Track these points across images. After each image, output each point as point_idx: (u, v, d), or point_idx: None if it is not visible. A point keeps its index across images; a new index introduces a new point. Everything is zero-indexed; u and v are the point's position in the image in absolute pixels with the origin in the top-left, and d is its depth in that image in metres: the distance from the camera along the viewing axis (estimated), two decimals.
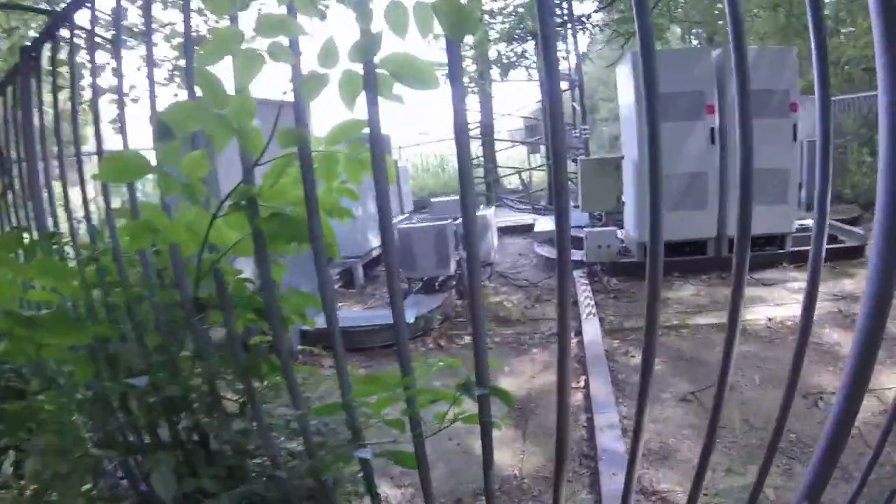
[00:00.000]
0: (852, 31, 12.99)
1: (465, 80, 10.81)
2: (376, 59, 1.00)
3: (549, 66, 0.87)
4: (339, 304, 5.89)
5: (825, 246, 0.91)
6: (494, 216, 7.42)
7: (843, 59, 11.90)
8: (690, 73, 5.79)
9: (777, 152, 5.81)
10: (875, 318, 0.78)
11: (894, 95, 0.67)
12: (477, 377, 1.02)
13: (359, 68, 1.01)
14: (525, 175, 13.37)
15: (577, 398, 3.59)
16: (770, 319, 4.56)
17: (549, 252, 7.04)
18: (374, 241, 7.03)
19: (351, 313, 5.54)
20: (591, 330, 4.52)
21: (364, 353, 4.54)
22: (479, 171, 12.64)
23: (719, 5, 12.42)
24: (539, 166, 12.77)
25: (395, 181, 8.71)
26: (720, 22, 13.40)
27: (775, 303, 4.98)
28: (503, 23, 10.24)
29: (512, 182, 13.85)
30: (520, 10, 10.01)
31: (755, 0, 13.24)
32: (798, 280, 5.57)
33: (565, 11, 10.49)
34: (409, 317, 4.76)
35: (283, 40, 1.03)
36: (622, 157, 7.00)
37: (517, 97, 22.70)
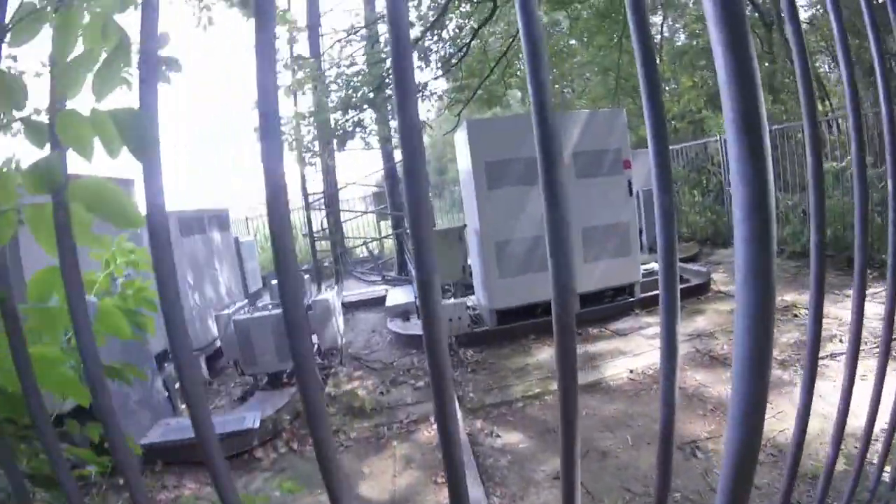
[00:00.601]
0: (675, 88, 15.22)
1: (304, 150, 10.64)
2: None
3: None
4: (183, 406, 5.21)
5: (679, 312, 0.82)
6: (341, 292, 7.14)
7: (669, 115, 13.92)
8: (526, 139, 6.03)
9: (616, 208, 6.33)
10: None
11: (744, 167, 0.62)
12: None
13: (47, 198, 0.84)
14: (375, 244, 13.32)
15: (444, 496, 3.32)
16: (632, 371, 4.69)
17: (401, 328, 6.89)
18: (216, 330, 6.42)
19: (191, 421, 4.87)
20: None
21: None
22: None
23: (555, 70, 13.87)
24: (387, 235, 12.79)
25: (238, 258, 8.36)
26: (555, 86, 14.91)
27: (633, 353, 5.17)
28: (338, 91, 10.32)
29: (363, 252, 13.71)
30: (354, 80, 10.19)
31: (587, 66, 15.05)
32: (651, 325, 5.89)
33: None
34: (255, 421, 4.32)
35: None
36: (464, 226, 7.17)
37: (367, 166, 23.02)
